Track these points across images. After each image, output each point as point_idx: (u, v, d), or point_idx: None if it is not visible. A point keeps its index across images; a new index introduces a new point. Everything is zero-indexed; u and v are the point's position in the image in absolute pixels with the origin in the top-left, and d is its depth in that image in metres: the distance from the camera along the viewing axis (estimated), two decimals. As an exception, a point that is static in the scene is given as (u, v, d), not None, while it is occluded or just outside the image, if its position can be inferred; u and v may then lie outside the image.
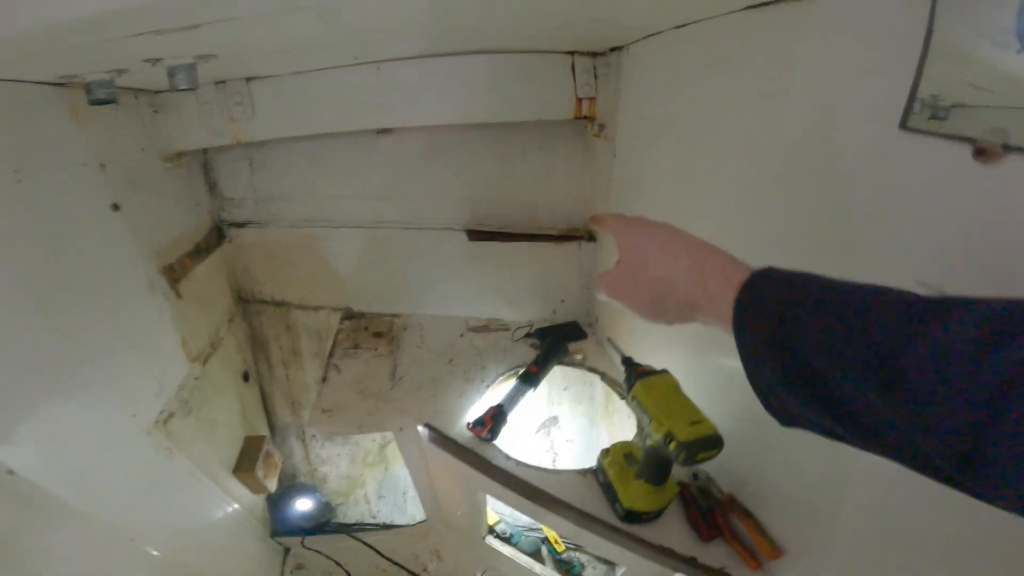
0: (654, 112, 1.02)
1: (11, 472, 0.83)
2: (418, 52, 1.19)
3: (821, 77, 0.62)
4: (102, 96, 0.95)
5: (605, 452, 1.08)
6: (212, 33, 0.70)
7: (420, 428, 1.27)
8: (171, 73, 0.89)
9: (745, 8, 0.70)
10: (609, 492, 1.04)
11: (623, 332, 1.39)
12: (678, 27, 0.86)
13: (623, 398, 1.35)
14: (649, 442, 0.90)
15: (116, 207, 1.18)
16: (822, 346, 0.33)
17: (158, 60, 0.86)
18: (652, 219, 0.50)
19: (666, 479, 0.96)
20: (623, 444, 1.08)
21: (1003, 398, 0.25)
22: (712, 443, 0.79)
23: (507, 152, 1.44)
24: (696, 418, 0.81)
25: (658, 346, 1.23)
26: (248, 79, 1.26)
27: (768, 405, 0.39)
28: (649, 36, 0.96)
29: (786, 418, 0.38)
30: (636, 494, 0.99)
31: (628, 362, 0.95)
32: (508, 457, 1.17)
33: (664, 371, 0.90)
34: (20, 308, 0.89)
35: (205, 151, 1.52)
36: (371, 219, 1.58)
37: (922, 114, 0.50)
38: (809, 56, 0.63)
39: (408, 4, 0.75)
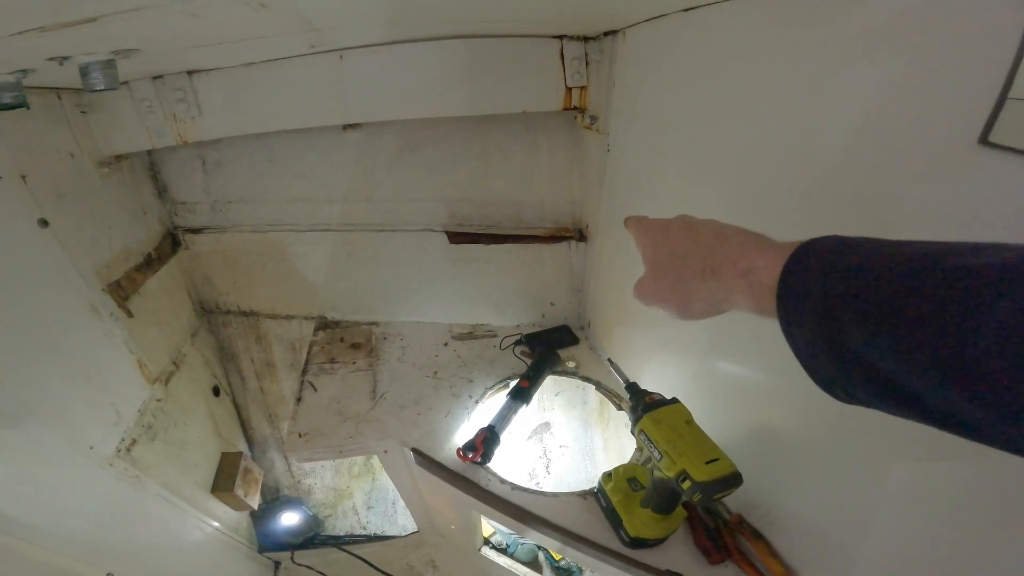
0: (657, 104, 0.91)
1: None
2: (385, 38, 1.05)
3: (872, 78, 0.52)
4: (8, 100, 0.82)
5: (607, 476, 1.01)
6: (119, 26, 0.56)
7: (407, 450, 1.18)
8: (84, 72, 0.75)
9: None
10: (613, 518, 0.98)
11: (616, 339, 1.31)
12: (687, 10, 0.74)
13: (620, 409, 1.28)
14: (658, 474, 0.82)
15: (44, 223, 1.07)
16: (882, 347, 0.28)
17: (66, 58, 0.72)
18: (665, 218, 0.48)
19: (674, 509, 0.89)
20: (626, 468, 1.01)
21: None
22: (731, 482, 0.72)
23: (489, 148, 1.31)
24: (712, 455, 0.74)
25: (656, 352, 1.15)
26: (190, 73, 1.10)
27: (832, 393, 0.33)
28: (650, 20, 0.84)
29: (852, 402, 0.33)
30: (642, 522, 0.92)
31: (633, 389, 0.86)
32: (503, 481, 1.09)
33: (674, 401, 0.82)
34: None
35: (150, 152, 1.36)
36: (341, 222, 1.44)
37: (1011, 127, 0.40)
38: (858, 52, 0.53)
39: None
